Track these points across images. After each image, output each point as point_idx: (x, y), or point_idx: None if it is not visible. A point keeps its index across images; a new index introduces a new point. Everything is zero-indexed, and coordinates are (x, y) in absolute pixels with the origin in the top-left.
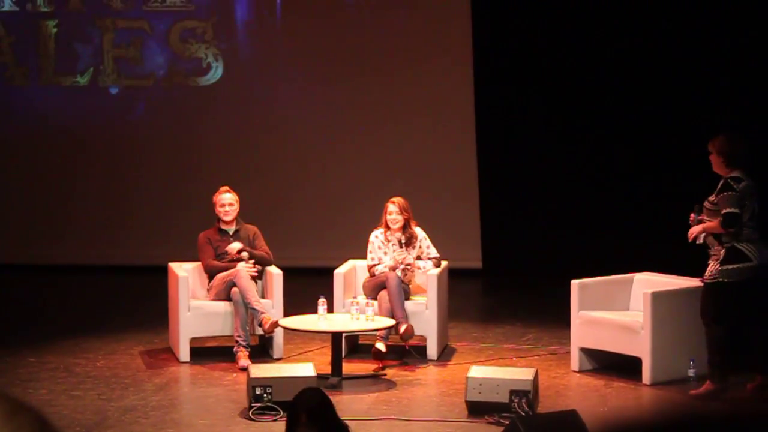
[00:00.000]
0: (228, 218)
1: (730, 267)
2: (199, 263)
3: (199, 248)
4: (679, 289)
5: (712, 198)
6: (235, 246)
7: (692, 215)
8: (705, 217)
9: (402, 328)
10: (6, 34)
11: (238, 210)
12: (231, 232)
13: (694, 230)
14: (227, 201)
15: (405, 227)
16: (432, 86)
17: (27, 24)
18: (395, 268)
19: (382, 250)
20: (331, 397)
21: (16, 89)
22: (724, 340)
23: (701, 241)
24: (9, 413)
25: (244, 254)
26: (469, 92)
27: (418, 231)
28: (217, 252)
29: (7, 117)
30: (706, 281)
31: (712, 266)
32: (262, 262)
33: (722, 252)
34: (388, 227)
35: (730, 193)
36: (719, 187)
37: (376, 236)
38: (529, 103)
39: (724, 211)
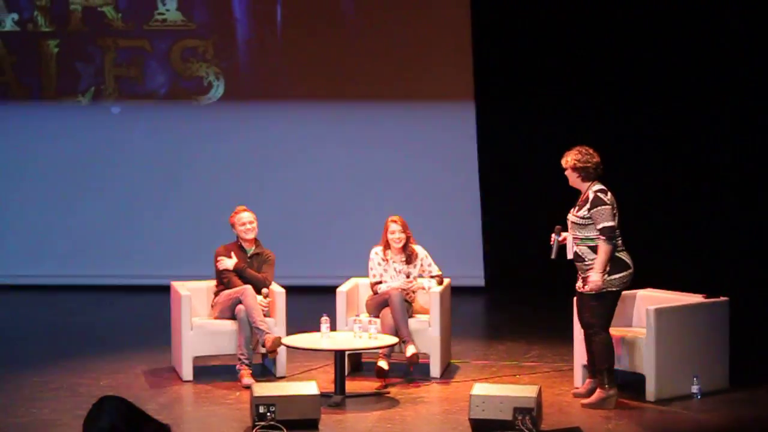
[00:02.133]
0: (250, 236)
1: (616, 276)
2: (200, 282)
3: (217, 255)
4: (682, 305)
5: (577, 212)
6: (228, 263)
7: (553, 236)
8: (569, 233)
9: (409, 352)
10: (7, 53)
11: (257, 229)
12: (250, 253)
13: (594, 283)
14: (247, 219)
15: (405, 246)
16: (434, 102)
17: (28, 44)
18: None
19: (381, 267)
20: (335, 416)
21: (18, 109)
22: (612, 345)
23: (570, 256)
24: None
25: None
26: (470, 108)
27: (419, 249)
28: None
29: (9, 136)
30: (588, 292)
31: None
32: (255, 284)
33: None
34: (387, 246)
35: (603, 207)
36: (589, 201)
37: (376, 253)
38: (530, 119)
39: (600, 226)
